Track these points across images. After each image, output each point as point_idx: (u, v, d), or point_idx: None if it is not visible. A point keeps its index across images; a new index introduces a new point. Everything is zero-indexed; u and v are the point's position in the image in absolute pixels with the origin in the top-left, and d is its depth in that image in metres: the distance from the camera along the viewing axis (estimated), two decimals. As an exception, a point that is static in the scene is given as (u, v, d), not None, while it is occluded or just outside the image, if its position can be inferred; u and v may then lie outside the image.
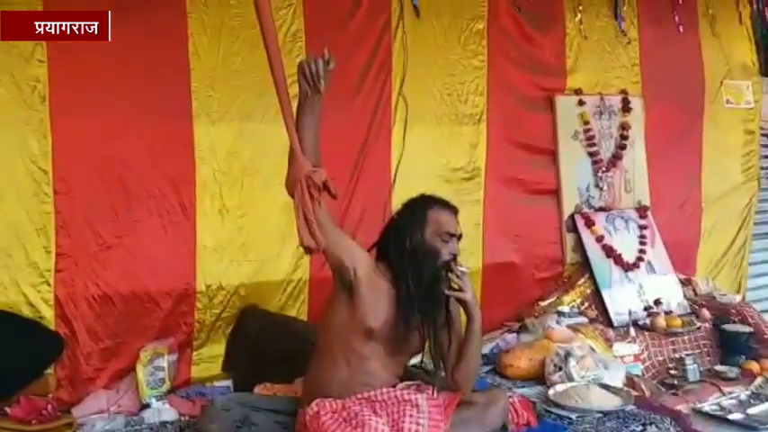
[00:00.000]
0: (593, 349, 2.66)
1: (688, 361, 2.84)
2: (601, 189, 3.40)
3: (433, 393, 1.82)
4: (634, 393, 2.36)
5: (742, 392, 2.61)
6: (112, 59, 2.34)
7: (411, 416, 1.71)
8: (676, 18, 3.59)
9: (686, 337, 3.05)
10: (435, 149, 2.99)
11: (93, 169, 2.36)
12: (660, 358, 2.93)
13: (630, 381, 2.53)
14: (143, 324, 2.43)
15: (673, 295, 3.32)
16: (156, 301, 2.44)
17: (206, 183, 2.52)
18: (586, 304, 3.14)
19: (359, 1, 2.79)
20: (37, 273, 2.29)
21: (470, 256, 2.88)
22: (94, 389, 2.35)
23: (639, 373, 2.72)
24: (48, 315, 2.30)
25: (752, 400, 2.55)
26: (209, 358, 2.57)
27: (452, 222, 1.94)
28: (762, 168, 4.03)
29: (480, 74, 3.07)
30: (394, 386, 1.86)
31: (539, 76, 3.28)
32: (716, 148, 3.80)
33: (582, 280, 3.22)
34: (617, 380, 2.48)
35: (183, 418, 2.23)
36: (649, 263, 3.36)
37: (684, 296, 3.37)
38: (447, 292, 1.85)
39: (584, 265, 3.26)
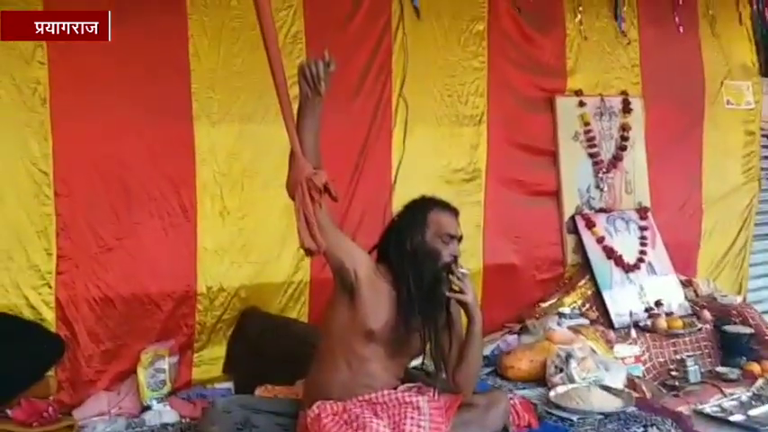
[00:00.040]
0: (594, 351, 2.66)
1: (689, 362, 2.84)
2: (601, 190, 3.40)
3: (434, 395, 1.82)
4: (635, 395, 2.36)
5: (743, 394, 2.60)
6: (113, 61, 2.35)
7: (412, 418, 1.71)
8: (676, 19, 3.59)
9: (687, 339, 3.05)
10: (436, 151, 2.99)
11: (93, 171, 2.36)
12: (661, 360, 2.93)
13: (631, 382, 2.53)
14: (144, 326, 2.43)
15: (674, 296, 3.32)
16: (156, 303, 2.44)
17: (206, 184, 2.53)
18: (587, 306, 3.14)
19: (359, 2, 2.79)
20: (38, 275, 2.29)
21: (471, 258, 2.88)
22: (95, 391, 2.35)
23: (640, 375, 2.72)
24: (49, 317, 2.30)
25: (753, 402, 2.55)
26: (210, 360, 2.57)
27: (453, 224, 1.94)
28: (762, 169, 4.02)
29: (480, 75, 3.07)
30: (395, 388, 1.85)
31: (539, 77, 3.28)
32: (716, 148, 3.79)
33: (583, 281, 3.22)
34: (618, 381, 2.48)
35: (183, 420, 2.24)
36: (650, 264, 3.36)
37: (685, 297, 3.37)
38: (448, 293, 1.85)
39: (585, 267, 3.26)
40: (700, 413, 2.43)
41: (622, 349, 2.81)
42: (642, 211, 3.48)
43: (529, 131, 3.24)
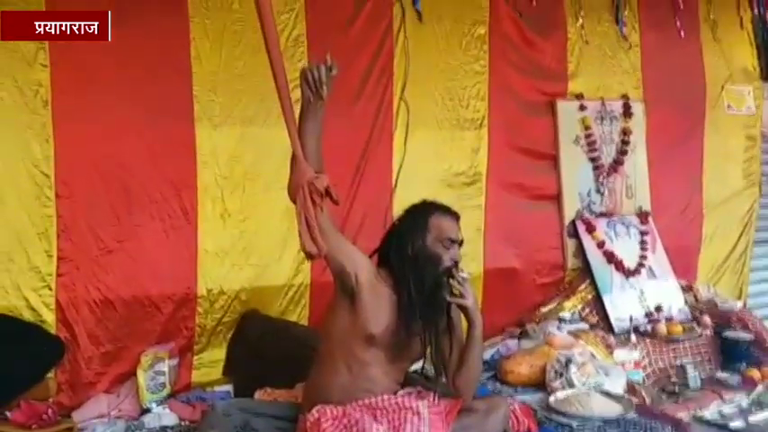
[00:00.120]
0: (593, 356, 2.66)
1: (689, 368, 2.83)
2: (602, 194, 3.40)
3: (433, 400, 1.82)
4: (635, 400, 2.36)
5: (743, 400, 2.60)
6: (115, 63, 2.35)
7: (412, 423, 1.70)
8: (678, 23, 3.60)
9: (687, 344, 3.04)
10: (437, 154, 2.99)
11: (95, 173, 2.36)
12: (661, 365, 2.92)
13: (631, 388, 2.53)
14: (144, 328, 2.43)
15: (674, 302, 3.32)
16: (157, 306, 2.45)
17: (208, 187, 2.53)
18: (587, 310, 3.14)
19: (361, 5, 2.79)
20: (38, 277, 2.29)
21: (471, 262, 2.88)
22: (95, 393, 2.35)
23: (640, 380, 2.71)
24: (49, 319, 2.30)
25: (753, 408, 2.55)
26: (210, 363, 2.57)
27: (454, 228, 1.94)
28: (763, 174, 4.02)
29: (482, 78, 3.08)
30: (395, 393, 1.85)
31: (540, 81, 3.28)
32: (717, 153, 3.80)
33: (583, 286, 3.22)
34: (618, 387, 2.47)
35: (183, 423, 2.23)
36: (650, 269, 3.36)
37: (685, 302, 3.37)
38: (448, 298, 1.84)
39: (585, 271, 3.26)
40: (699, 419, 2.43)
41: (622, 354, 2.80)
42: (643, 216, 3.48)
43: (530, 135, 3.24)
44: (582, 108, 3.37)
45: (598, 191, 3.40)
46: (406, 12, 2.89)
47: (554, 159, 3.31)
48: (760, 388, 2.70)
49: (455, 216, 1.97)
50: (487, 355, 2.73)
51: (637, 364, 2.80)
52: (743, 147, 3.94)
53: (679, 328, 3.08)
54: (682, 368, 2.86)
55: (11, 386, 2.18)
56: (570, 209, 3.32)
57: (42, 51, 2.26)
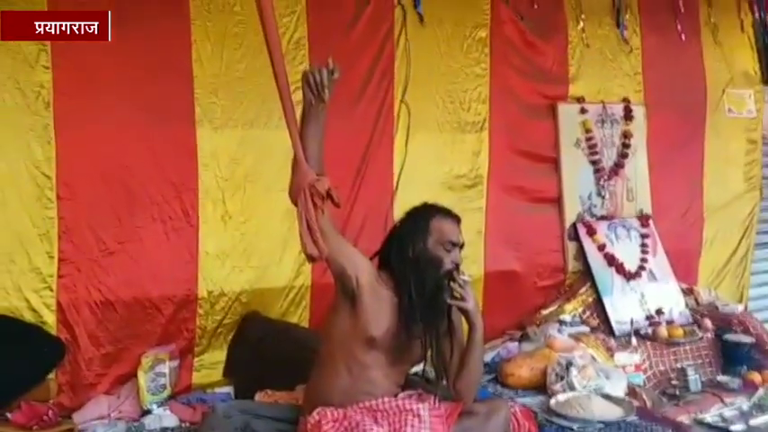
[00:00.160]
0: (594, 358, 2.65)
1: (690, 371, 2.83)
2: (603, 197, 3.40)
3: (434, 403, 1.82)
4: (635, 403, 2.35)
5: (744, 403, 2.60)
6: (117, 66, 2.36)
7: (413, 426, 1.70)
8: (678, 26, 3.60)
9: (688, 347, 3.04)
10: (438, 157, 2.99)
11: (96, 175, 2.37)
12: (662, 368, 2.92)
13: (632, 391, 2.53)
14: (144, 330, 2.44)
15: (674, 305, 3.31)
16: (157, 307, 2.45)
17: (209, 189, 2.53)
18: (588, 313, 3.13)
19: (362, 8, 2.80)
20: (39, 278, 2.29)
21: (472, 264, 2.87)
22: (95, 394, 2.35)
23: (641, 384, 2.71)
24: (49, 320, 2.31)
25: (754, 411, 2.55)
26: (211, 365, 2.57)
27: (455, 231, 1.94)
28: (764, 178, 4.02)
29: (483, 81, 3.08)
30: (395, 395, 1.85)
31: (541, 84, 3.28)
32: (718, 156, 3.80)
33: (583, 288, 3.21)
34: (618, 390, 2.47)
35: (183, 425, 2.24)
36: (651, 272, 3.35)
37: (686, 305, 3.36)
38: (449, 301, 1.84)
39: (586, 274, 3.26)
40: (700, 422, 2.43)
41: (623, 357, 2.80)
42: (643, 219, 3.48)
43: (531, 138, 3.24)
44: (583, 111, 3.37)
45: (599, 194, 3.40)
46: (407, 15, 2.89)
47: (555, 162, 3.31)
48: (761, 391, 2.70)
49: (456, 219, 1.97)
50: (488, 357, 2.73)
51: (637, 367, 2.80)
52: (744, 150, 3.94)
53: (680, 332, 3.08)
54: (682, 371, 2.86)
55: (11, 387, 2.18)
56: (571, 212, 3.32)
57: (44, 53, 2.26)
